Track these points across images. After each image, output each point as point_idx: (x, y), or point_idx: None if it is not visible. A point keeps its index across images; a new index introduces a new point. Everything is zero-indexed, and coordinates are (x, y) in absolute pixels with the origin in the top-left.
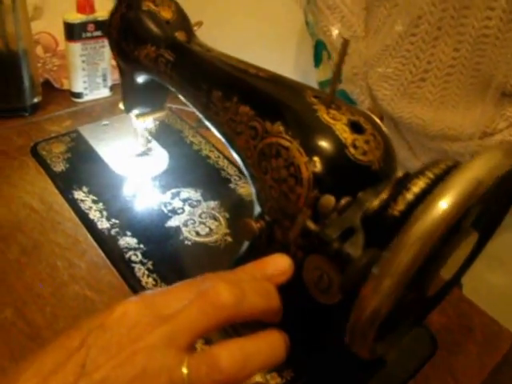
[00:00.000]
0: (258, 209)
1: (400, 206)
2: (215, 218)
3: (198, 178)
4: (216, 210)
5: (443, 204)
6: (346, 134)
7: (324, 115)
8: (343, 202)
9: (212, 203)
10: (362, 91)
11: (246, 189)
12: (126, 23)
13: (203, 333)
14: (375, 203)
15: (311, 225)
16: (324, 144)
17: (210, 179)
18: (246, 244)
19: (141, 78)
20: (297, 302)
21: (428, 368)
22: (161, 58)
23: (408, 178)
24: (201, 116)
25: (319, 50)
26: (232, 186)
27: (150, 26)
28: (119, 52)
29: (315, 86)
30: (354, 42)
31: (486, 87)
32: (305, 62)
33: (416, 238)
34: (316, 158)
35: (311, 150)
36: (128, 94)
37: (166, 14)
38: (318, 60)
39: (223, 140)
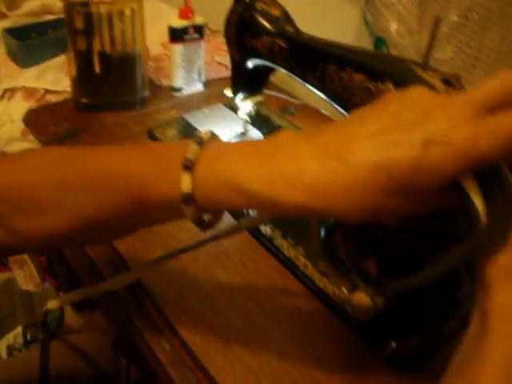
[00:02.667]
0: None
1: None
2: None
3: None
4: None
5: None
6: (441, 87)
7: (423, 74)
8: None
9: None
10: None
11: None
12: (243, 20)
13: None
14: None
15: None
16: None
17: None
18: None
19: (251, 64)
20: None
21: None
22: (275, 45)
23: None
24: (313, 88)
25: (379, 47)
26: None
27: (263, 21)
28: (236, 44)
29: None
30: (409, 36)
31: None
32: None
33: None
34: None
35: None
36: (237, 80)
37: (275, 12)
38: None
39: (335, 105)
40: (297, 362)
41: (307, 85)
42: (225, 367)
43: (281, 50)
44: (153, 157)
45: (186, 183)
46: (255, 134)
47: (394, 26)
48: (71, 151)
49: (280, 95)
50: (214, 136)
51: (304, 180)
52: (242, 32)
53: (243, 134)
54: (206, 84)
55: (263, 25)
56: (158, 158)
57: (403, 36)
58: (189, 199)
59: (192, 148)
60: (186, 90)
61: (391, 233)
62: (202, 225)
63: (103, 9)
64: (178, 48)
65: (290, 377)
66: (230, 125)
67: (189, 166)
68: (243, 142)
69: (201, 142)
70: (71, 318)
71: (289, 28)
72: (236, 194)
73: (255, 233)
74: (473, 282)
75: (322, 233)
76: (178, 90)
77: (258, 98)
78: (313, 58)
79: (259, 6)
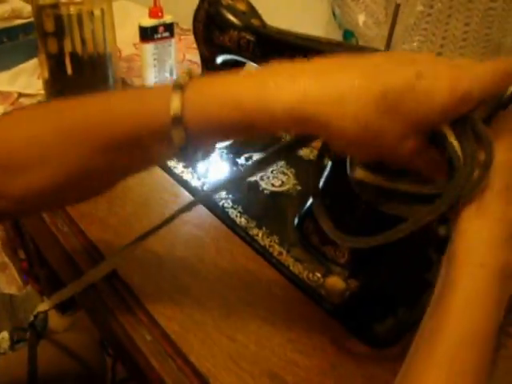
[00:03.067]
0: None
1: None
2: (284, 173)
3: (265, 144)
4: (284, 168)
5: None
6: None
7: None
8: None
9: (280, 163)
10: None
11: (305, 151)
12: (210, 16)
13: None
14: None
15: None
16: None
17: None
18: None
19: (220, 60)
20: None
21: None
22: (243, 39)
23: None
24: None
25: (348, 39)
26: None
27: (230, 16)
28: (205, 40)
29: None
30: (376, 27)
31: (496, 54)
32: None
33: None
34: None
35: None
36: None
37: (241, 6)
38: None
39: None
40: (274, 346)
41: None
42: (204, 353)
43: (248, 43)
44: (137, 95)
45: (175, 104)
46: None
47: (361, 18)
48: (48, 106)
49: None
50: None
51: (298, 85)
52: (210, 28)
53: None
54: None
55: (230, 20)
56: (142, 94)
57: (371, 27)
58: (178, 121)
59: (181, 76)
60: None
61: (362, 219)
62: (187, 155)
63: (73, 10)
64: (148, 47)
65: (269, 360)
66: None
67: (178, 86)
68: (236, 71)
69: (189, 74)
70: (55, 320)
71: (255, 22)
72: (227, 107)
73: (230, 224)
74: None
75: (296, 220)
76: None
77: None
78: (279, 51)
79: (225, 1)
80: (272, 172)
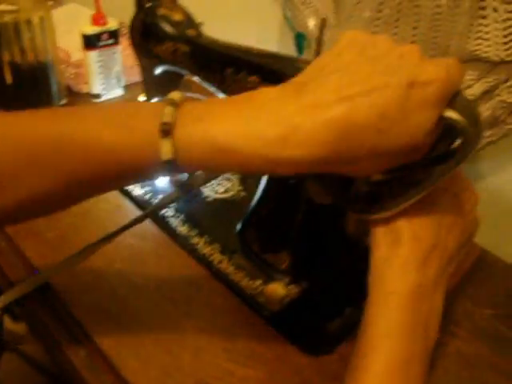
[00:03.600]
0: None
1: None
2: (229, 179)
3: None
4: (229, 173)
5: None
6: None
7: None
8: None
9: None
10: None
11: None
12: (146, 27)
13: None
14: None
15: None
16: None
17: None
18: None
19: (159, 70)
20: None
21: None
22: (178, 50)
23: None
24: (215, 90)
25: (300, 41)
26: None
27: (166, 26)
28: (141, 50)
29: None
30: (327, 30)
31: (444, 56)
32: (287, 52)
33: None
34: None
35: None
36: (148, 86)
37: (178, 16)
38: (300, 49)
39: None
40: (210, 357)
41: (211, 87)
42: (138, 368)
43: (183, 54)
44: (126, 125)
45: (166, 150)
46: None
47: (311, 22)
48: (23, 117)
49: (199, 96)
50: (186, 96)
51: (298, 134)
52: (146, 38)
53: None
54: (128, 88)
55: (165, 30)
56: (131, 125)
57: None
58: (170, 166)
59: (167, 111)
60: (106, 96)
61: (303, 227)
62: (183, 188)
63: (8, 18)
64: (92, 55)
65: (204, 371)
66: None
67: (167, 131)
68: (222, 100)
69: (175, 104)
70: (12, 325)
71: (191, 32)
72: (226, 156)
73: (172, 233)
74: None
75: (239, 226)
76: (97, 96)
77: None
78: (211, 62)
79: (161, 11)
80: (216, 178)
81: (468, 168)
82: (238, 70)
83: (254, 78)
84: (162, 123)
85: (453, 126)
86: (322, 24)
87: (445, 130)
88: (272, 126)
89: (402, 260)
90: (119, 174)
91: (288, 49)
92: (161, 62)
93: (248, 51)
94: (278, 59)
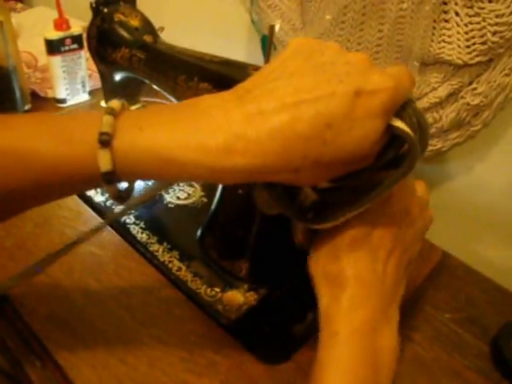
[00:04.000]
0: None
1: None
2: (192, 185)
3: None
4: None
5: None
6: None
7: None
8: None
9: None
10: None
11: None
12: (102, 33)
13: None
14: None
15: None
16: None
17: None
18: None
19: (118, 77)
20: None
21: None
22: (134, 57)
23: None
24: (170, 96)
25: (265, 44)
26: None
27: (122, 32)
28: (99, 57)
29: None
30: (293, 33)
31: (408, 59)
32: (255, 55)
33: None
34: None
35: None
36: (108, 92)
37: (135, 22)
38: (265, 52)
39: None
40: (165, 366)
41: (166, 94)
42: (92, 379)
43: (139, 60)
44: (63, 135)
45: (105, 161)
46: None
47: (277, 25)
48: None
49: (162, 101)
50: (125, 105)
51: (241, 143)
52: (103, 45)
53: None
54: (94, 93)
55: (121, 36)
56: (68, 135)
57: (287, 33)
58: (110, 177)
59: (105, 120)
60: (71, 101)
61: (260, 234)
62: (121, 198)
63: None
64: (56, 60)
65: (159, 381)
66: None
67: (106, 142)
68: (164, 108)
69: (113, 113)
70: None
71: (147, 38)
72: (166, 166)
73: (131, 240)
74: None
75: (198, 233)
76: (62, 101)
77: (134, 108)
78: (165, 68)
79: (117, 17)
80: (178, 184)
81: (434, 169)
82: (191, 76)
83: (205, 85)
84: (100, 133)
85: (399, 135)
86: (271, 30)
87: (393, 138)
88: (213, 134)
89: (346, 302)
90: (60, 184)
91: (256, 53)
92: (118, 68)
93: (201, 58)
94: (229, 66)
